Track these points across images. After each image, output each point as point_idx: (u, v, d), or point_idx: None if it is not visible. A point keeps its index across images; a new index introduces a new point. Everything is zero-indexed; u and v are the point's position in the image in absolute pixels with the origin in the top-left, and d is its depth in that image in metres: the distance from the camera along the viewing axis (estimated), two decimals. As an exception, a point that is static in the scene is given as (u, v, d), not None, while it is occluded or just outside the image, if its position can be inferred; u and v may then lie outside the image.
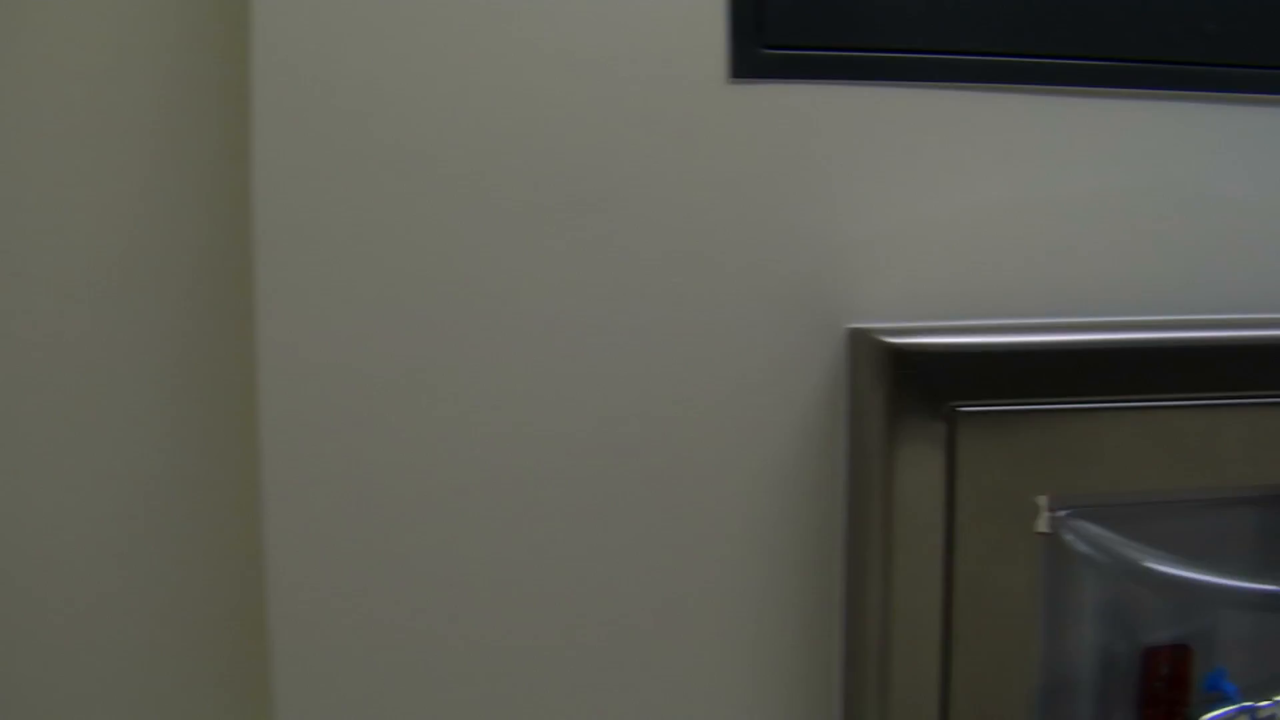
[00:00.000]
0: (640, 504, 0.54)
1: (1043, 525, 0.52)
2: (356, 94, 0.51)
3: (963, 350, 0.52)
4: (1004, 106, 0.54)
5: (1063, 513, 0.53)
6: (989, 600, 0.53)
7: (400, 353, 0.52)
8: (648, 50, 0.53)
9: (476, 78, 0.52)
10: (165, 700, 0.60)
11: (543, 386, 0.53)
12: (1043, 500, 0.52)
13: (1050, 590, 0.55)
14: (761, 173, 0.54)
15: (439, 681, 0.53)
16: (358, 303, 0.52)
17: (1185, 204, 0.53)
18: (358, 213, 0.51)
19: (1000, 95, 0.54)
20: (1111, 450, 0.52)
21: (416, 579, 0.53)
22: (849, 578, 0.56)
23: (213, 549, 0.58)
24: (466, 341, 0.52)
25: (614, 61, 0.52)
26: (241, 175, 0.57)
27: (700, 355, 0.54)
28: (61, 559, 0.58)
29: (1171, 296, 0.53)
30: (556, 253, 0.53)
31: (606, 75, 0.52)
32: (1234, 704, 0.54)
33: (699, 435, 0.54)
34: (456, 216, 0.52)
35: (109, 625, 0.59)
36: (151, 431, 0.58)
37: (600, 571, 0.54)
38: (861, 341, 0.54)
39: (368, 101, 0.51)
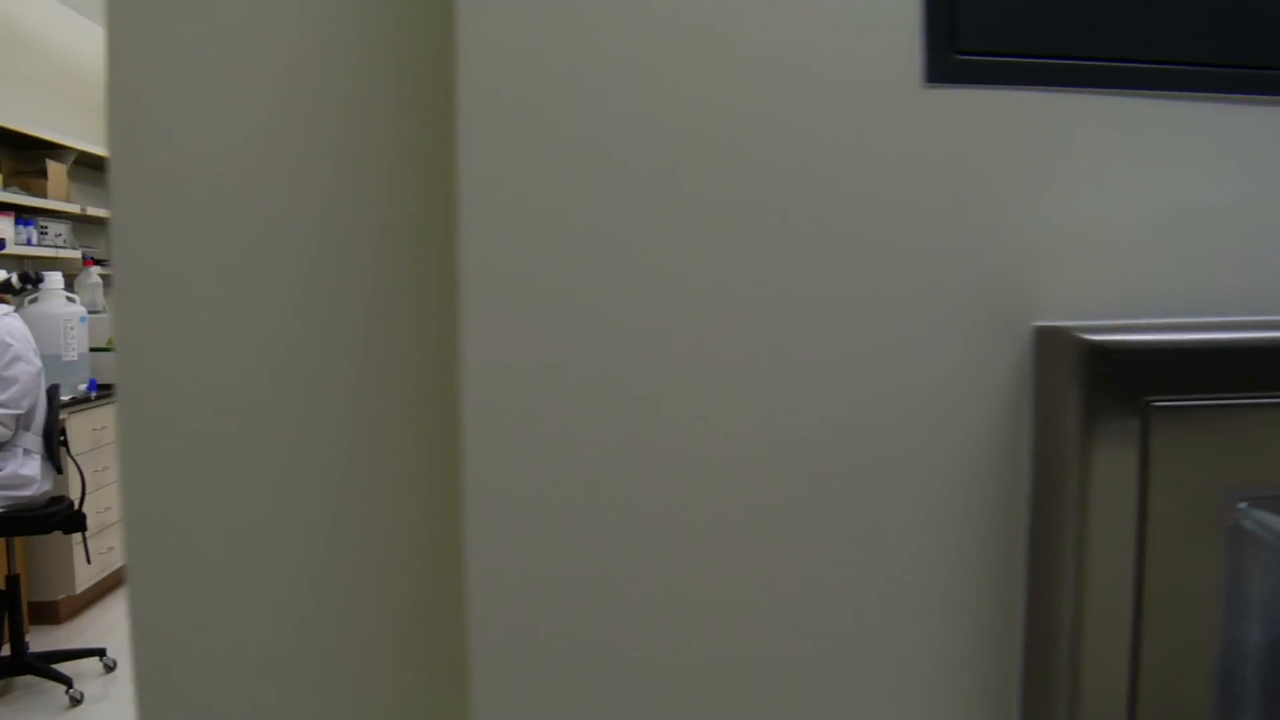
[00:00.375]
0: (827, 503, 0.55)
1: (1230, 516, 0.54)
2: (560, 93, 0.52)
3: (1158, 346, 0.53)
4: (1188, 112, 0.56)
5: (1244, 504, 0.55)
6: (1178, 589, 0.54)
7: (599, 352, 0.53)
8: (847, 53, 0.54)
9: (678, 77, 0.52)
10: (367, 699, 0.59)
11: (732, 385, 0.54)
12: (1231, 492, 0.54)
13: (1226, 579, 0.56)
14: (951, 174, 0.55)
15: (633, 683, 0.54)
16: (559, 304, 0.52)
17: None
18: (561, 212, 0.52)
19: (1185, 102, 0.56)
20: (1298, 443, 0.54)
21: (610, 580, 0.53)
22: (1033, 570, 0.57)
23: (412, 550, 0.59)
24: (661, 340, 0.53)
25: (814, 63, 0.54)
26: (432, 173, 0.58)
27: (889, 352, 0.55)
28: (265, 558, 0.58)
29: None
30: (751, 250, 0.53)
31: (806, 76, 0.54)
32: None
33: (888, 432, 0.55)
34: (657, 215, 0.53)
35: (313, 624, 0.59)
36: (352, 433, 0.58)
37: (787, 569, 0.55)
38: (1052, 338, 0.55)
39: (572, 100, 0.52)
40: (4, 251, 3.41)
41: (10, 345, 2.65)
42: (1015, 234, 0.56)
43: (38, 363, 2.75)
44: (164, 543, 0.60)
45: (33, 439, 2.76)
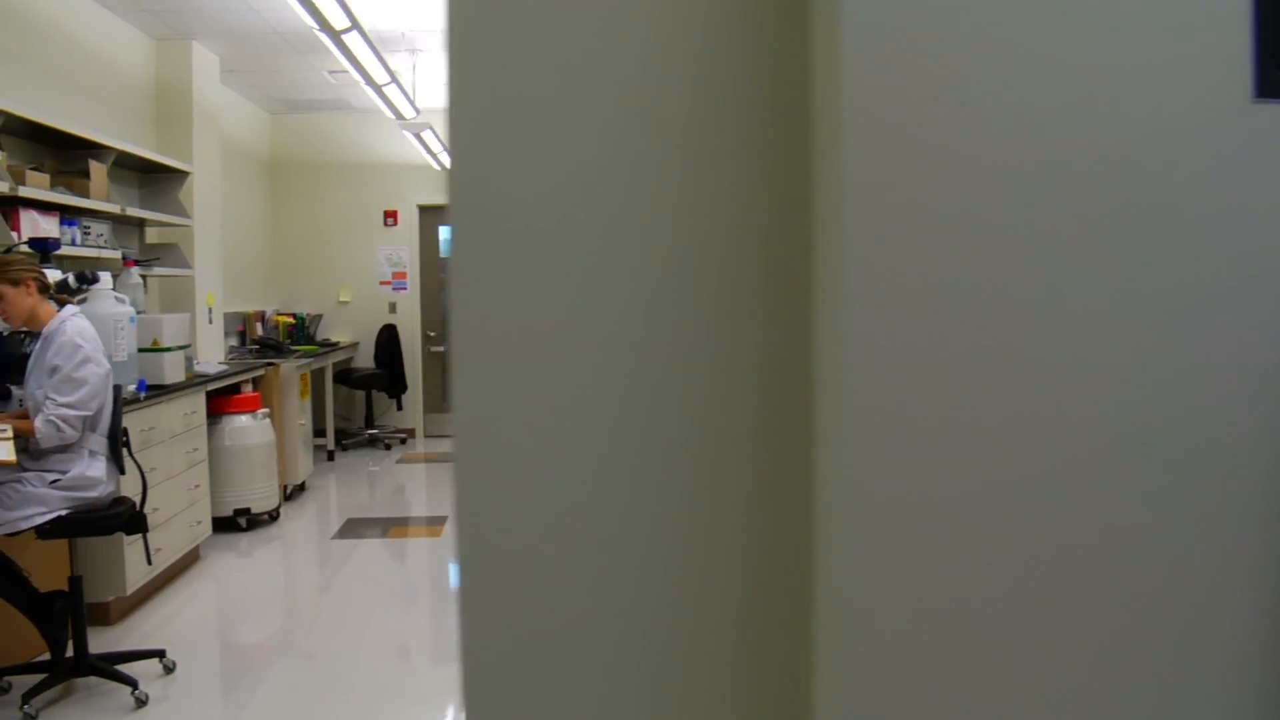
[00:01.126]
0: (1162, 499, 0.57)
1: None
2: (940, 103, 0.54)
3: None
4: None
5: None
6: None
7: (974, 348, 0.55)
8: (1183, 70, 0.56)
9: (1043, 89, 0.55)
10: (712, 695, 0.62)
11: (1090, 378, 0.56)
12: None
13: None
14: (1275, 184, 0.58)
15: (986, 675, 0.56)
16: (939, 302, 0.54)
17: None
18: (939, 212, 0.54)
19: None
20: None
21: (973, 571, 0.55)
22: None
23: (754, 558, 0.61)
24: (1032, 337, 0.55)
25: (1155, 79, 0.56)
26: (776, 176, 0.60)
27: (1215, 351, 0.58)
28: (601, 566, 0.60)
29: None
30: (1103, 250, 0.56)
31: (1150, 92, 0.56)
32: None
33: (1221, 424, 0.58)
34: (1026, 216, 0.55)
35: (648, 632, 0.61)
36: (696, 436, 0.60)
37: (1122, 559, 0.57)
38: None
39: (949, 109, 0.54)
40: (56, 252, 3.41)
41: (81, 347, 2.65)
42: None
43: (106, 364, 2.75)
44: (499, 548, 0.61)
45: (98, 440, 2.77)
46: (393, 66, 4.59)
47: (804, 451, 0.62)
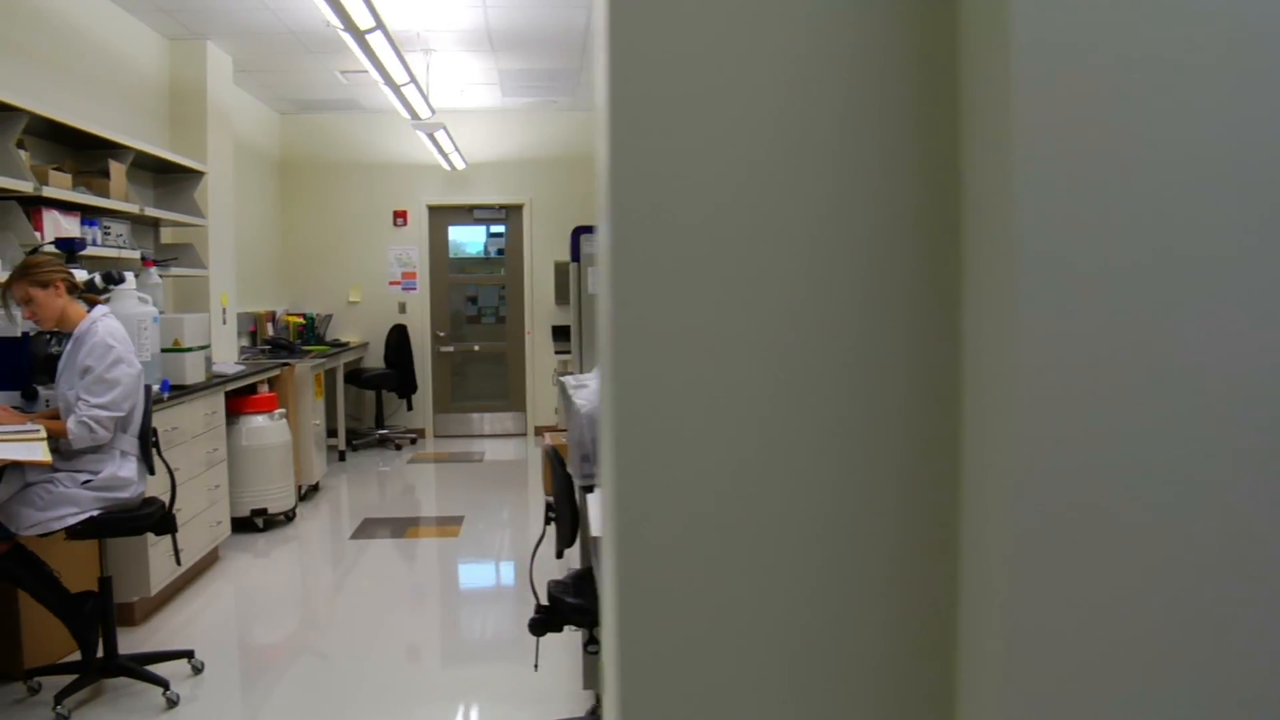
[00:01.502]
0: None
1: None
2: (1112, 93, 0.54)
3: None
4: None
5: None
6: None
7: (1137, 346, 0.55)
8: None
9: (1227, 76, 0.54)
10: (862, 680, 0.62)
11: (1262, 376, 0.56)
12: None
13: None
14: None
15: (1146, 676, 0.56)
16: (1104, 299, 0.54)
17: None
18: (1108, 209, 0.54)
19: None
20: None
21: (1135, 578, 0.55)
22: None
23: (908, 558, 0.61)
24: (1195, 338, 0.55)
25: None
26: (925, 177, 0.60)
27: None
28: (751, 562, 0.60)
29: None
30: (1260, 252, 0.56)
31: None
32: None
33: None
34: (1200, 209, 0.55)
35: (799, 632, 0.61)
36: (847, 433, 0.61)
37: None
38: None
39: (1122, 99, 0.54)
40: (82, 253, 3.40)
41: (113, 348, 2.65)
42: None
43: (138, 365, 2.75)
44: (652, 544, 0.61)
45: (130, 441, 2.76)
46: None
47: (952, 451, 0.62)
